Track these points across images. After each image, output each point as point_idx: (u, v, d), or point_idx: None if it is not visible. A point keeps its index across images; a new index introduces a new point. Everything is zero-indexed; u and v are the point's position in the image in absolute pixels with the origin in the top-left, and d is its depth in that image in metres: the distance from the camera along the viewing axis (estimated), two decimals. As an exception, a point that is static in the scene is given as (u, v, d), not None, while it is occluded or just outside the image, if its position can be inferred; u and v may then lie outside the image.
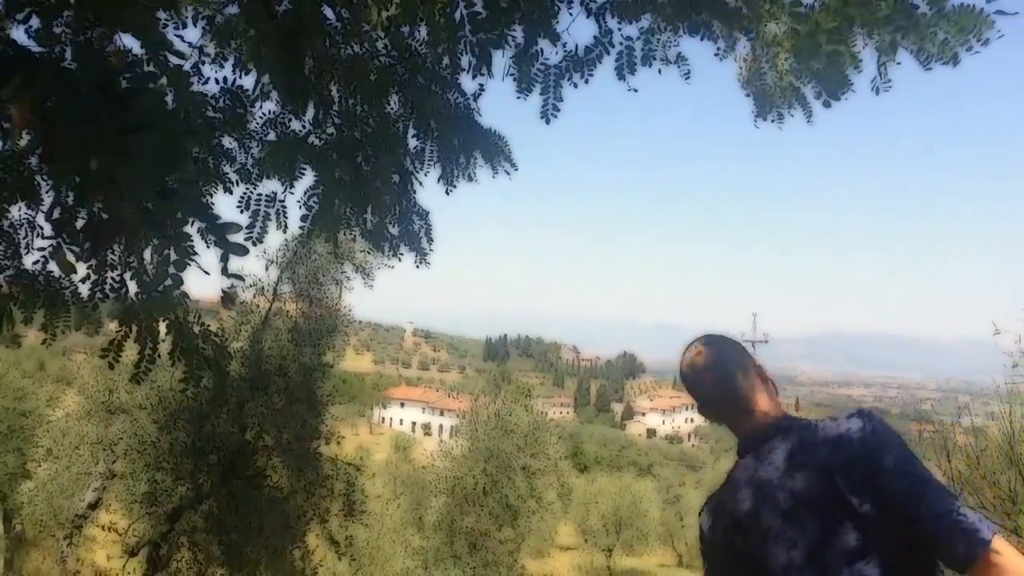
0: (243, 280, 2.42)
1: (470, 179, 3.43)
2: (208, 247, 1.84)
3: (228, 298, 2.37)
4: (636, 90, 2.73)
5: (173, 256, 1.93)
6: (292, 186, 3.44)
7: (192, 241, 1.92)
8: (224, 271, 1.94)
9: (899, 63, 2.25)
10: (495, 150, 3.37)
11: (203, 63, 3.34)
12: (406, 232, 3.60)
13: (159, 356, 2.77)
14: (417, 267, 3.69)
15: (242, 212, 3.52)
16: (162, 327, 2.56)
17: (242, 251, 1.76)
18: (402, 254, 3.69)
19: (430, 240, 3.68)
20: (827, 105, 2.34)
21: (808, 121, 2.58)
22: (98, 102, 1.59)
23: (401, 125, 3.39)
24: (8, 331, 2.52)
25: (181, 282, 1.94)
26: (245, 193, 3.52)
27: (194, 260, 1.97)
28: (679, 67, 2.72)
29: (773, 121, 2.60)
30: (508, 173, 3.44)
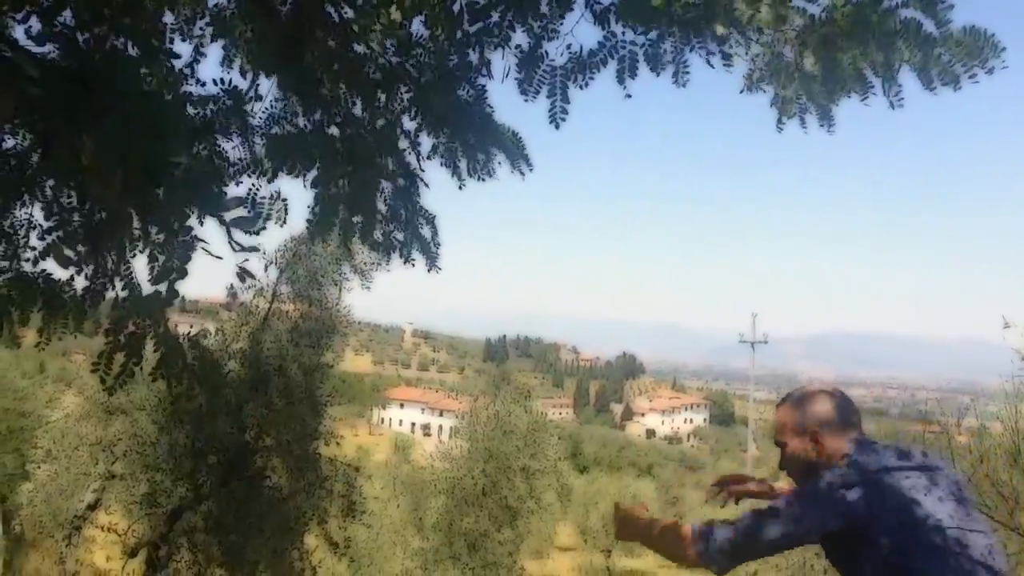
0: (257, 250, 2.39)
1: (489, 175, 3.37)
2: (216, 225, 1.81)
3: (245, 272, 2.34)
4: (630, 95, 2.71)
5: (177, 249, 1.91)
6: (292, 175, 3.40)
7: (194, 231, 1.90)
8: (232, 243, 1.91)
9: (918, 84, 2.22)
10: (512, 148, 3.31)
11: (199, 61, 3.32)
12: (416, 237, 3.55)
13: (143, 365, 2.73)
14: (429, 271, 3.64)
15: (248, 211, 3.52)
16: (149, 345, 2.52)
17: (248, 224, 1.74)
18: (414, 260, 3.64)
19: (437, 245, 3.63)
20: (828, 111, 2.33)
21: (829, 130, 2.51)
22: (70, 85, 1.57)
23: (410, 123, 3.34)
24: (17, 328, 2.50)
25: (185, 273, 1.93)
26: (252, 187, 3.51)
27: (204, 247, 1.93)
28: (680, 76, 2.67)
29: (792, 116, 2.54)
30: (523, 174, 3.37)
